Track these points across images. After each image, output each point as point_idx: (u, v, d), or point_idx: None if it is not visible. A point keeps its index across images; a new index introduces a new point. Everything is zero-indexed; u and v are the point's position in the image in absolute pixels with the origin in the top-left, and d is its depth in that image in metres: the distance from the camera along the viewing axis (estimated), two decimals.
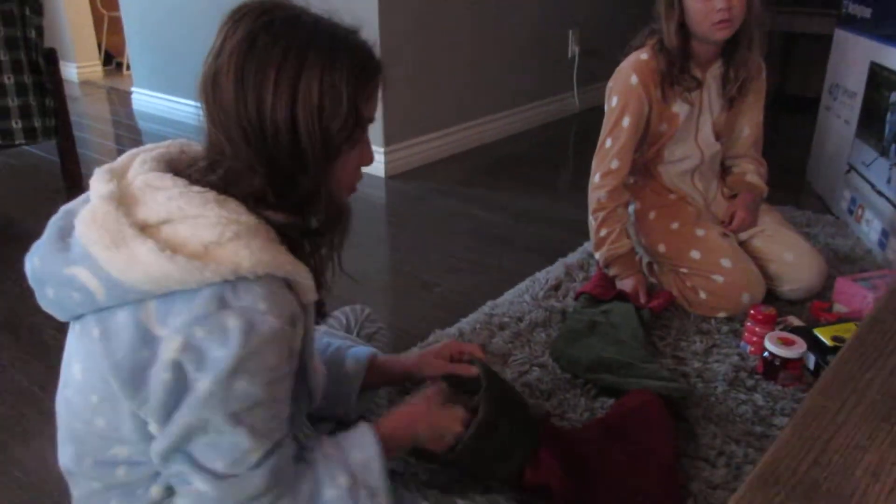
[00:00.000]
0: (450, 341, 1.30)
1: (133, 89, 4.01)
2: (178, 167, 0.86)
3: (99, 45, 4.87)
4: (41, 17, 2.32)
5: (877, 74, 2.17)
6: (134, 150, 0.89)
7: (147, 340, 0.77)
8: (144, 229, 0.77)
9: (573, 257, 2.07)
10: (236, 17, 0.82)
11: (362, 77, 0.84)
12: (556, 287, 1.89)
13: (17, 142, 2.39)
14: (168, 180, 0.81)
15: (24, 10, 2.29)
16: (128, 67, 4.61)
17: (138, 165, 0.85)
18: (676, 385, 1.41)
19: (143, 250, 0.75)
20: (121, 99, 4.24)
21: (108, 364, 0.78)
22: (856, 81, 2.30)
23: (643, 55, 1.74)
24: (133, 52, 3.93)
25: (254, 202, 0.82)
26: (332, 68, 0.81)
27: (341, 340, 1.27)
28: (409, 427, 1.01)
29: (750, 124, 1.88)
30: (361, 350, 1.22)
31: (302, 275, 0.84)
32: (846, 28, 2.45)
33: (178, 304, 0.76)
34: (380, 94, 0.90)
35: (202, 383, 0.75)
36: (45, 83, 2.39)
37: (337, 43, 0.83)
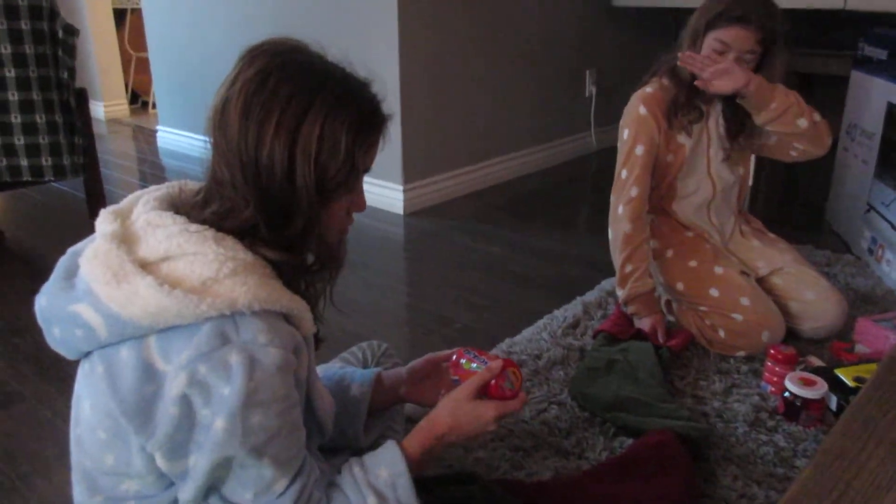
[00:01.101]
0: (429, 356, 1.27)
1: (158, 127, 4.11)
2: (178, 205, 0.89)
3: (126, 85, 5.00)
4: (74, 58, 2.40)
5: (894, 115, 2.17)
6: (139, 192, 0.93)
7: (150, 375, 0.78)
8: (145, 266, 0.80)
9: (591, 295, 2.07)
10: (254, 53, 0.86)
11: (364, 129, 0.86)
12: (575, 325, 1.89)
13: (46, 178, 2.45)
14: (168, 218, 0.84)
15: (57, 52, 2.37)
16: (153, 106, 4.72)
17: (141, 206, 0.88)
18: (696, 425, 1.39)
19: (142, 286, 0.77)
20: (146, 137, 4.33)
21: (113, 400, 0.79)
22: (873, 122, 2.30)
23: (648, 89, 1.79)
24: (159, 91, 4.03)
25: (250, 239, 0.84)
26: (335, 117, 0.83)
27: (349, 368, 1.27)
28: (438, 439, 1.00)
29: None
30: (366, 372, 1.22)
31: (299, 308, 0.86)
32: (862, 69, 2.47)
33: (177, 340, 0.78)
34: (379, 147, 0.92)
35: (217, 423, 0.77)
36: (76, 122, 2.46)
37: (344, 93, 0.85)
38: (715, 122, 1.81)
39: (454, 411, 1.01)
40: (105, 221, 0.86)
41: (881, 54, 2.33)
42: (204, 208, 0.86)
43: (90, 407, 0.84)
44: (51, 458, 1.42)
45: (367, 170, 0.91)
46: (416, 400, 1.24)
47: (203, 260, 0.80)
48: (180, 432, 0.78)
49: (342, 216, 0.92)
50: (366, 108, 0.88)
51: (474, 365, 1.09)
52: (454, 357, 1.12)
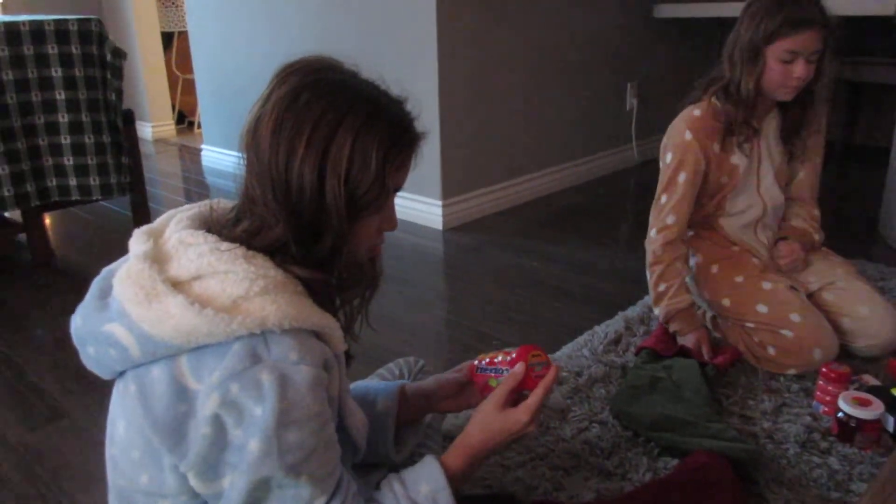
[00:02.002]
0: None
1: (203, 147, 4.19)
2: (210, 224, 0.89)
3: (173, 106, 5.13)
4: (121, 80, 2.47)
5: None
6: (172, 211, 0.93)
7: (183, 395, 0.78)
8: (176, 285, 0.80)
9: (633, 311, 2.02)
10: (287, 71, 0.86)
11: (395, 148, 0.86)
12: (616, 341, 1.85)
13: (94, 197, 2.52)
14: (200, 237, 0.84)
15: (105, 75, 2.44)
16: (199, 126, 4.82)
17: (174, 225, 0.89)
18: (744, 446, 1.35)
19: (173, 305, 0.77)
20: (191, 156, 4.42)
21: (147, 419, 0.79)
22: None
23: (696, 111, 1.73)
24: (204, 111, 4.12)
25: (280, 257, 0.84)
26: (366, 135, 0.83)
27: (373, 382, 1.26)
28: (475, 453, 1.00)
29: (806, 168, 1.85)
30: (390, 384, 1.21)
31: (330, 326, 0.86)
32: None
33: (209, 358, 0.78)
34: (411, 165, 0.91)
35: (252, 444, 0.76)
36: (122, 142, 2.52)
37: (376, 111, 0.85)
38: (766, 140, 1.76)
39: (486, 426, 1.00)
40: (138, 241, 0.87)
41: None
42: (235, 226, 0.86)
43: (124, 426, 0.84)
44: (94, 474, 1.43)
45: (398, 189, 0.91)
46: (450, 409, 1.22)
47: (234, 278, 0.80)
48: (213, 453, 0.78)
49: (372, 234, 0.92)
50: (397, 127, 0.87)
51: (500, 370, 1.08)
52: (473, 378, 1.13)
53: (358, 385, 1.24)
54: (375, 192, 0.85)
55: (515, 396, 1.03)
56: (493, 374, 1.09)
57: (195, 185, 3.82)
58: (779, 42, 1.57)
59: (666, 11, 3.55)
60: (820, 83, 1.66)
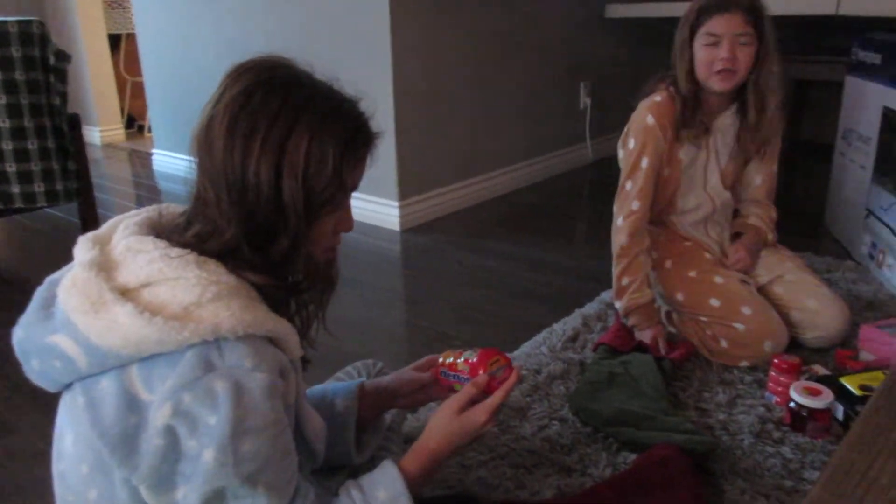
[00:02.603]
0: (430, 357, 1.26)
1: (154, 151, 4.10)
2: (159, 229, 0.87)
3: (122, 110, 5.01)
4: (65, 84, 2.39)
5: (890, 119, 2.16)
6: (119, 217, 0.91)
7: (134, 406, 0.76)
8: (125, 293, 0.78)
9: (590, 308, 2.04)
10: (239, 70, 0.84)
11: (351, 146, 0.85)
12: (574, 338, 1.86)
13: (38, 204, 2.44)
14: (149, 243, 0.82)
15: (48, 78, 2.36)
16: (149, 130, 4.72)
17: (121, 231, 0.86)
18: (701, 438, 1.37)
19: (121, 314, 0.75)
20: (142, 160, 4.33)
21: (96, 432, 0.77)
22: (869, 127, 2.29)
23: (657, 97, 1.76)
24: (154, 114, 4.04)
25: (233, 262, 0.82)
26: (323, 134, 0.82)
27: (331, 383, 1.25)
28: (434, 457, 0.99)
29: (762, 174, 1.88)
30: (348, 384, 1.20)
31: (285, 331, 0.84)
32: (857, 74, 2.46)
33: (160, 368, 0.76)
34: (367, 164, 0.91)
35: (207, 454, 0.75)
36: (68, 147, 2.45)
37: (332, 109, 0.84)
38: (716, 139, 1.79)
39: (444, 429, 1.00)
40: (83, 248, 0.84)
41: (875, 59, 2.32)
42: (186, 231, 0.84)
43: (72, 440, 0.82)
44: (43, 491, 1.39)
45: (354, 187, 0.90)
46: (411, 405, 1.23)
47: (185, 284, 0.78)
48: (166, 464, 0.76)
49: (329, 235, 0.91)
50: (353, 125, 0.87)
51: (462, 378, 1.09)
52: (436, 379, 1.14)
53: (315, 388, 1.23)
54: (333, 190, 0.84)
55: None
56: (454, 381, 1.10)
57: (146, 191, 3.73)
58: (701, 28, 1.64)
59: (617, 11, 3.60)
60: (756, 74, 1.68)
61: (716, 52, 1.63)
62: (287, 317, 0.87)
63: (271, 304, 0.85)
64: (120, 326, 0.75)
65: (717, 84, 1.67)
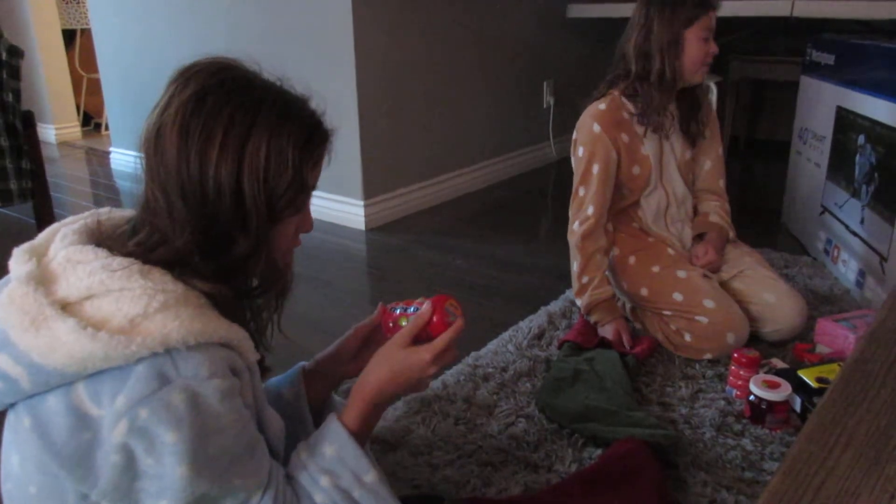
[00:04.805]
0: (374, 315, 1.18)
1: (111, 149, 4.02)
2: (100, 238, 0.84)
3: (78, 107, 4.89)
4: (18, 81, 2.33)
5: (843, 118, 2.22)
6: (56, 225, 0.87)
7: (84, 423, 0.73)
8: (66, 307, 0.74)
9: (555, 305, 2.06)
10: (187, 74, 0.82)
11: (310, 145, 0.84)
12: (540, 336, 1.88)
13: None
14: (90, 253, 0.78)
15: (1, 75, 2.30)
16: (106, 128, 4.62)
17: (59, 240, 0.82)
18: (664, 432, 1.39)
19: (63, 330, 0.72)
20: (99, 159, 4.23)
21: (47, 453, 0.74)
22: (824, 125, 2.35)
23: (601, 105, 1.80)
24: (112, 112, 3.95)
25: (179, 269, 0.80)
26: (281, 134, 0.81)
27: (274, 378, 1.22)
28: (373, 398, 0.95)
29: (711, 157, 1.96)
30: (289, 372, 1.16)
31: (238, 337, 0.82)
32: (811, 75, 2.52)
33: (108, 383, 0.73)
34: (323, 163, 0.90)
35: (178, 471, 0.73)
36: (22, 145, 2.38)
37: (287, 109, 0.83)
38: (670, 134, 1.84)
39: (386, 363, 0.96)
40: (19, 261, 0.80)
41: (828, 59, 2.38)
42: (130, 239, 0.81)
43: (19, 461, 0.78)
44: None
45: (314, 187, 0.89)
46: (359, 370, 1.18)
47: (130, 296, 0.75)
48: (125, 481, 0.74)
49: (290, 237, 0.89)
50: (309, 124, 0.86)
51: (410, 310, 1.03)
52: (382, 317, 1.07)
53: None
54: (295, 191, 0.83)
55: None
56: (402, 314, 1.04)
57: (104, 190, 3.65)
58: (698, 23, 1.71)
59: (578, 11, 3.63)
60: None
61: (707, 47, 1.73)
62: (241, 322, 0.85)
63: (223, 310, 0.82)
64: (63, 344, 0.71)
65: (702, 76, 1.78)
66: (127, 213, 0.89)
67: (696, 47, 1.72)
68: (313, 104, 0.88)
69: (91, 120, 5.10)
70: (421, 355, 0.95)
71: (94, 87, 4.61)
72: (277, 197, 0.82)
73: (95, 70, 4.03)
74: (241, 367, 0.82)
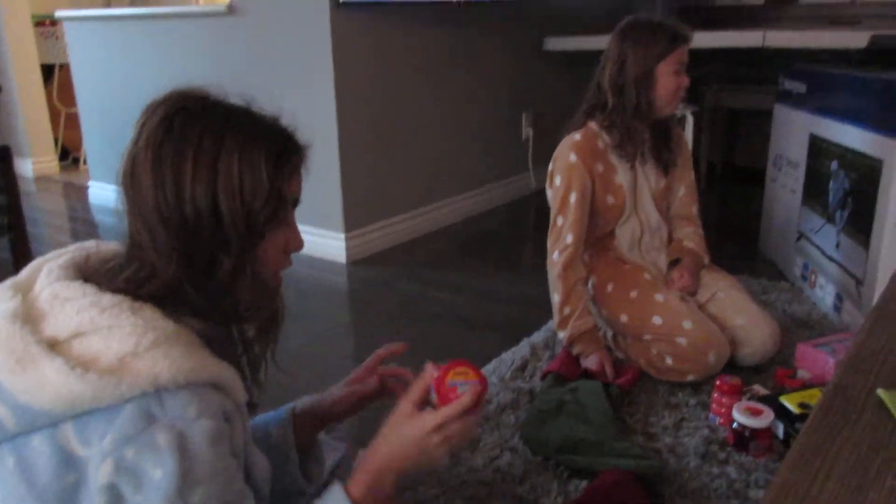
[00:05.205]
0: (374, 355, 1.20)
1: (90, 183, 3.99)
2: (87, 272, 0.83)
3: (56, 141, 4.86)
4: None
5: (816, 145, 2.26)
6: (40, 260, 0.85)
7: (70, 463, 0.72)
8: (54, 346, 0.73)
9: (538, 336, 2.06)
10: (154, 105, 0.82)
11: (283, 156, 0.83)
12: (523, 367, 1.87)
13: None
14: (77, 289, 0.77)
15: None
16: (84, 162, 4.59)
17: (45, 276, 0.81)
18: (649, 462, 1.38)
19: (51, 370, 0.70)
20: (77, 193, 4.20)
21: (31, 494, 0.72)
22: (798, 152, 2.40)
23: (576, 136, 1.83)
24: (90, 145, 3.93)
25: (172, 306, 0.79)
26: (251, 148, 0.80)
27: (262, 415, 1.21)
28: (380, 472, 0.91)
29: (684, 183, 1.99)
30: (280, 410, 1.15)
31: (227, 376, 0.80)
32: (784, 103, 2.57)
33: (96, 422, 0.72)
34: (302, 176, 0.89)
35: None
36: None
37: (254, 125, 0.83)
38: (642, 162, 1.86)
39: (388, 435, 0.92)
40: (3, 298, 0.78)
41: (801, 88, 2.43)
42: (118, 274, 0.80)
43: (1, 500, 0.76)
44: None
45: (296, 201, 0.88)
46: (348, 416, 1.15)
47: (119, 334, 0.73)
48: None
49: (278, 255, 0.88)
50: (279, 136, 0.85)
51: (458, 383, 0.96)
52: (436, 384, 0.98)
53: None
54: (273, 205, 0.82)
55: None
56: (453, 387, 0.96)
57: (82, 224, 3.62)
58: (670, 57, 1.74)
59: (555, 44, 3.68)
60: None
61: (680, 80, 1.76)
62: (232, 360, 0.84)
63: (214, 348, 0.81)
64: (50, 384, 0.70)
65: (675, 108, 1.82)
66: (113, 246, 0.88)
67: (668, 81, 1.75)
68: (283, 122, 0.88)
69: (69, 154, 5.07)
70: (424, 423, 0.90)
71: (73, 122, 4.58)
72: (256, 212, 0.81)
73: (74, 104, 4.01)
74: (232, 411, 0.80)
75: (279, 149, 0.83)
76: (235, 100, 0.86)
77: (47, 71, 4.76)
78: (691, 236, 1.96)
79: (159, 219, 0.78)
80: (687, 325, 1.73)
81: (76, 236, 3.40)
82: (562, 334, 1.83)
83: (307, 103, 2.71)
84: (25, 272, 0.84)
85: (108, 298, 0.76)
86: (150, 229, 0.79)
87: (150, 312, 0.77)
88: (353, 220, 2.85)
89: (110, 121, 3.67)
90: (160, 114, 0.80)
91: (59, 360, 0.71)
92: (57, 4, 4.53)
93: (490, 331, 2.18)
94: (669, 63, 1.74)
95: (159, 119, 0.80)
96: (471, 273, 2.70)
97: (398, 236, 3.08)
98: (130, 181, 0.80)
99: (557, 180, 1.83)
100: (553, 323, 1.93)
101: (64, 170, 4.87)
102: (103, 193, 3.86)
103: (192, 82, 0.86)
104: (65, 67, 4.49)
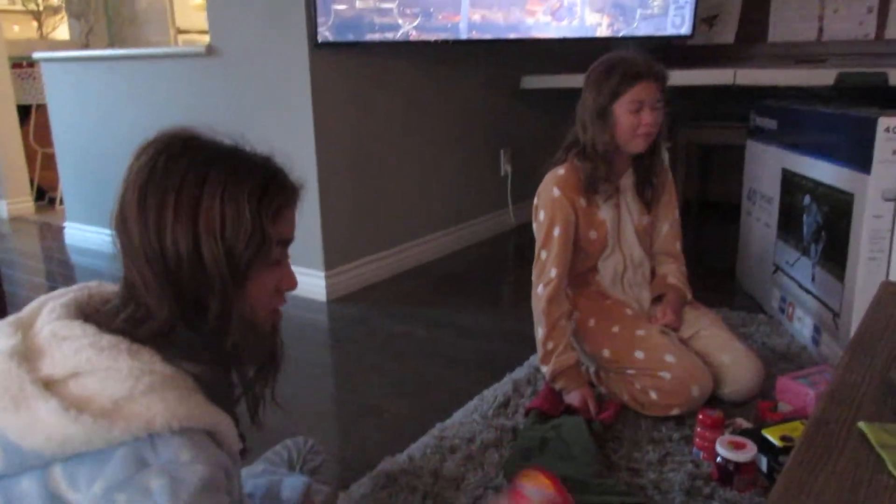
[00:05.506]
0: None
1: (66, 224, 3.95)
2: (88, 312, 0.82)
3: (31, 182, 4.83)
4: None
5: (789, 180, 2.31)
6: (43, 298, 0.85)
7: None
8: (49, 385, 0.72)
9: (520, 372, 2.05)
10: (143, 146, 0.82)
11: (267, 195, 0.82)
12: (506, 404, 1.86)
13: None
14: (77, 328, 0.77)
15: None
16: (61, 202, 4.55)
17: (46, 314, 0.80)
18: (634, 500, 1.38)
19: (45, 410, 0.69)
20: (53, 234, 4.15)
21: None
22: (771, 187, 2.44)
23: (560, 171, 1.84)
24: (66, 186, 3.90)
25: (169, 348, 0.78)
26: (234, 187, 0.79)
27: (277, 473, 1.20)
28: None
29: (668, 220, 2.00)
30: (296, 480, 1.15)
31: (223, 425, 0.79)
32: (756, 139, 2.63)
33: (86, 466, 0.70)
34: (293, 215, 0.88)
35: None
36: None
37: (239, 163, 0.82)
38: (625, 197, 1.89)
39: None
40: (3, 335, 0.77)
41: (771, 124, 2.49)
42: (117, 315, 0.80)
43: None
44: None
45: (285, 241, 0.86)
46: None
47: (116, 376, 0.72)
48: None
49: (269, 295, 0.86)
50: (265, 174, 0.84)
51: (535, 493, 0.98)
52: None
53: (256, 473, 1.17)
54: (256, 245, 0.80)
55: None
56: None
57: (58, 265, 3.57)
58: (623, 96, 1.74)
59: (532, 83, 3.74)
60: (661, 132, 1.82)
61: (639, 118, 1.74)
62: (230, 404, 0.82)
63: (210, 393, 0.80)
64: (43, 425, 0.69)
65: (639, 145, 1.79)
66: (114, 287, 0.87)
67: (625, 118, 1.75)
68: (275, 161, 0.87)
69: (45, 194, 5.02)
70: None
71: (49, 162, 4.56)
72: (238, 253, 0.79)
73: (50, 144, 3.99)
74: (230, 466, 0.79)
75: (263, 188, 0.82)
76: (225, 139, 0.85)
77: (24, 111, 4.74)
78: (674, 273, 1.97)
79: (145, 260, 0.78)
80: (669, 358, 1.74)
81: (52, 278, 3.35)
82: (545, 369, 1.82)
83: (287, 143, 2.72)
84: (28, 309, 0.83)
85: (106, 339, 0.75)
86: (139, 270, 0.79)
87: (148, 356, 0.76)
88: (333, 258, 2.85)
89: (87, 161, 3.65)
90: (147, 154, 0.80)
91: (53, 400, 0.70)
92: (34, 46, 4.54)
93: (472, 367, 2.17)
94: (625, 102, 1.74)
95: (145, 160, 0.80)
96: (452, 309, 2.70)
97: (378, 273, 3.07)
98: (121, 220, 0.80)
99: (541, 215, 1.84)
100: (535, 358, 1.93)
101: (39, 210, 4.83)
102: (80, 234, 3.82)
103: (171, 123, 0.86)
104: (42, 108, 4.48)
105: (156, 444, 0.71)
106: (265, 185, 0.83)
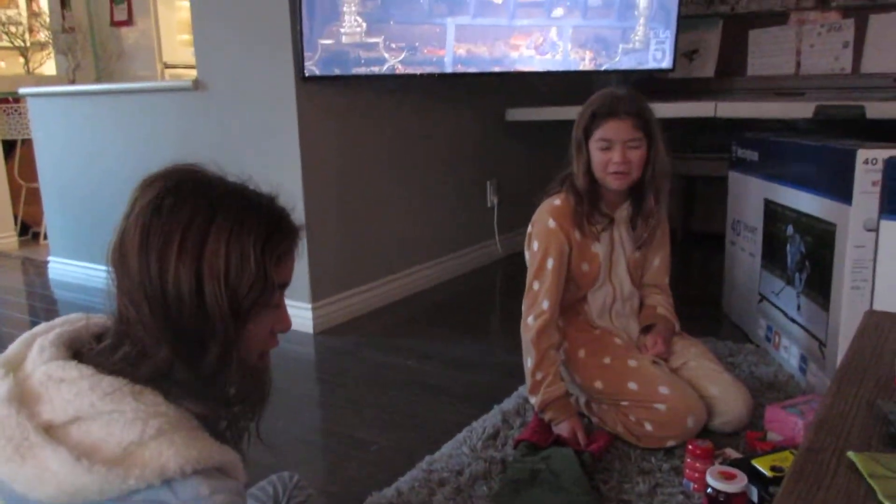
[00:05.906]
0: None
1: (50, 258, 3.91)
2: (80, 348, 0.80)
3: (15, 217, 4.79)
4: None
5: (771, 210, 2.33)
6: (28, 335, 0.83)
7: None
8: (50, 430, 0.70)
9: (509, 403, 2.04)
10: (149, 180, 0.82)
11: (272, 241, 0.82)
12: (495, 436, 1.84)
13: None
14: (73, 370, 0.74)
15: None
16: (45, 237, 4.51)
17: (36, 354, 0.78)
18: None
19: (54, 460, 0.67)
20: (36, 269, 4.11)
21: None
22: (754, 217, 2.47)
23: (556, 201, 1.85)
24: (51, 221, 3.87)
25: (171, 388, 0.76)
26: (240, 232, 0.79)
27: None
28: None
29: (659, 256, 2.01)
30: None
31: (232, 460, 0.78)
32: (738, 170, 2.66)
33: None
34: (294, 259, 0.88)
35: None
36: None
37: (246, 207, 0.82)
38: (618, 230, 1.89)
39: None
40: None
41: (753, 156, 2.53)
42: (113, 353, 0.78)
43: None
44: None
45: (284, 284, 0.86)
46: None
47: (122, 420, 0.70)
48: None
49: (264, 337, 0.86)
50: (271, 219, 0.84)
51: None
52: None
53: None
54: (259, 289, 0.80)
55: None
56: None
57: (41, 301, 3.53)
58: (594, 133, 1.76)
59: (517, 115, 3.79)
60: (650, 171, 1.80)
61: (609, 156, 1.75)
62: (229, 442, 0.81)
63: (213, 431, 0.79)
64: (53, 475, 0.66)
65: (612, 183, 1.79)
66: (103, 320, 0.85)
67: (596, 157, 1.77)
68: (280, 201, 0.87)
69: (29, 229, 4.99)
70: None
71: (33, 197, 4.53)
72: (241, 296, 0.79)
73: (35, 179, 3.97)
74: (242, 489, 0.78)
75: (269, 233, 0.82)
76: (232, 178, 0.85)
77: (8, 146, 4.73)
78: (663, 303, 1.98)
79: (144, 297, 0.77)
80: (664, 390, 1.73)
81: (35, 313, 3.31)
82: (534, 399, 1.81)
83: (274, 176, 2.70)
84: (14, 347, 0.81)
85: (107, 382, 0.73)
86: (136, 307, 0.77)
87: (151, 397, 0.74)
88: (319, 291, 2.83)
89: (72, 196, 3.63)
90: (152, 192, 0.79)
91: (62, 449, 0.67)
92: (21, 82, 4.54)
93: (460, 399, 2.16)
94: (596, 138, 1.76)
95: (151, 198, 0.79)
96: (439, 340, 2.69)
97: (365, 305, 3.06)
98: (119, 256, 0.79)
99: (535, 245, 1.84)
100: (524, 389, 1.92)
101: (23, 245, 4.79)
102: (64, 269, 3.78)
103: (158, 157, 0.86)
104: (27, 143, 4.47)
105: (173, 487, 0.70)
106: (271, 230, 0.83)
